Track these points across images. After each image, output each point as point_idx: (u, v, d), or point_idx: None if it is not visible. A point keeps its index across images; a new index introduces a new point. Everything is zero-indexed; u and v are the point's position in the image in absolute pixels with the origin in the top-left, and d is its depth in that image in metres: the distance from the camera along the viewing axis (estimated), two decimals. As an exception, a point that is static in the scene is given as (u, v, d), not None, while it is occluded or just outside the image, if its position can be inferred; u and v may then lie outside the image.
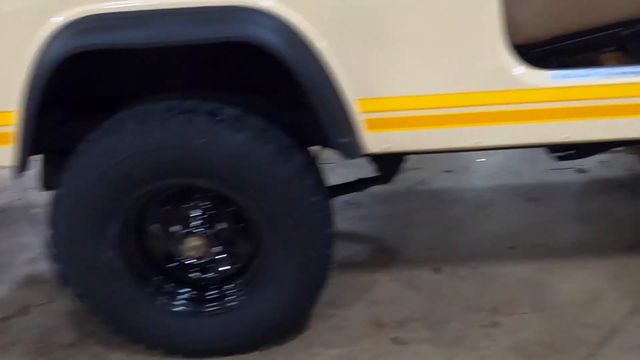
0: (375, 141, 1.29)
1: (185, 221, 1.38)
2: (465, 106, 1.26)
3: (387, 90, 1.25)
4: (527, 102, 1.26)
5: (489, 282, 1.77)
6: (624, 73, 1.26)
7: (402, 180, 2.46)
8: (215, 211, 1.38)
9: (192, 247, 1.35)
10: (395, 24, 1.19)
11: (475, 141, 1.30)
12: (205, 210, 1.38)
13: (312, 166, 1.32)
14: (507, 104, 1.26)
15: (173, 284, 1.39)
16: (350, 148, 1.26)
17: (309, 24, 1.17)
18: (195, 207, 1.38)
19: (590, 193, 2.33)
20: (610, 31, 1.35)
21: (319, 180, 1.32)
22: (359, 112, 1.25)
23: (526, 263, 1.85)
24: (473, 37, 1.21)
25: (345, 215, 2.23)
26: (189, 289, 1.39)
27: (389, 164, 1.58)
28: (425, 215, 2.21)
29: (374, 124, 1.27)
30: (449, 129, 1.29)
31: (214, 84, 1.39)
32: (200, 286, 1.41)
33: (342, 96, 1.22)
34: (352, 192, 1.71)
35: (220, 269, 1.41)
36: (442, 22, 1.20)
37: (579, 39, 1.35)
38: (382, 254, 1.99)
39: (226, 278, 1.41)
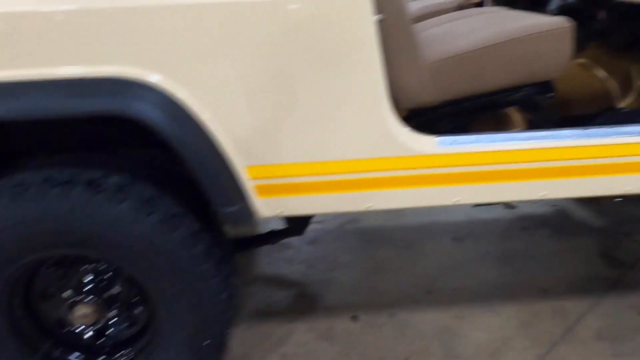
0: (267, 206, 1.28)
1: (77, 286, 1.34)
2: (353, 172, 1.27)
3: (276, 157, 1.25)
4: (414, 168, 1.28)
5: (404, 330, 1.78)
6: (507, 140, 1.29)
7: (333, 219, 2.49)
8: (109, 274, 1.35)
9: (82, 315, 1.31)
10: (279, 94, 1.19)
11: (368, 205, 1.31)
12: (97, 275, 1.35)
13: (205, 230, 1.30)
14: (395, 170, 1.27)
15: (62, 349, 1.35)
16: (241, 215, 1.25)
17: (194, 97, 1.16)
18: (87, 273, 1.34)
19: (515, 231, 2.38)
20: (500, 95, 1.39)
21: (213, 244, 1.30)
22: (248, 179, 1.25)
23: (442, 309, 1.87)
24: (358, 104, 1.22)
25: (272, 257, 2.22)
26: (79, 354, 1.36)
27: (299, 218, 1.58)
28: (351, 257, 2.21)
29: (264, 190, 1.27)
30: (340, 194, 1.29)
31: (108, 141, 1.36)
32: (94, 351, 1.37)
33: (230, 165, 1.21)
34: (263, 245, 1.70)
35: (114, 334, 1.37)
36: (326, 90, 1.20)
37: (470, 102, 1.38)
38: (303, 301, 1.98)
39: (120, 343, 1.37)
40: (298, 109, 1.21)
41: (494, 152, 1.27)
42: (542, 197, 1.35)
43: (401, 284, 2.03)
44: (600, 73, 1.95)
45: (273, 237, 1.68)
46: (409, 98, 1.32)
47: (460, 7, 2.16)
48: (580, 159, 1.31)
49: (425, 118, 1.40)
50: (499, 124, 1.74)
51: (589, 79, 1.94)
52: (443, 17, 1.72)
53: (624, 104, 1.86)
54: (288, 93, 1.20)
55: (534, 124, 1.58)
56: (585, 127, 1.32)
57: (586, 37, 2.11)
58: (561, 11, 1.93)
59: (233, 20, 1.12)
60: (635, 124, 1.33)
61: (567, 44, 1.35)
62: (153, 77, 1.14)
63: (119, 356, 1.37)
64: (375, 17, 1.17)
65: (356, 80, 1.20)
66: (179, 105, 1.15)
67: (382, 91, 1.22)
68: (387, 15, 1.24)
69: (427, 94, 1.32)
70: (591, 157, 1.31)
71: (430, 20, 1.73)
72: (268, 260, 2.21)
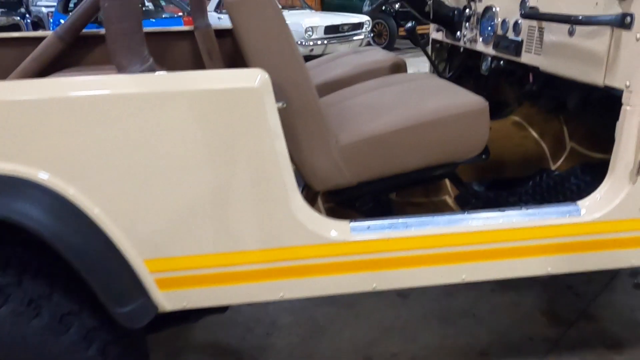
0: (170, 300, 1.21)
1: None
2: (260, 262, 1.20)
3: (177, 249, 1.17)
4: (327, 257, 1.22)
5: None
6: (423, 224, 1.25)
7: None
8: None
9: None
10: (175, 185, 1.13)
11: (280, 295, 1.25)
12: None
13: (102, 326, 1.20)
14: (306, 258, 1.21)
15: None
16: (140, 313, 1.16)
17: (83, 193, 1.08)
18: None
19: (459, 285, 2.34)
20: (420, 173, 1.35)
21: (111, 341, 1.21)
22: (148, 272, 1.17)
23: (380, 378, 1.81)
24: (261, 192, 1.16)
25: (208, 320, 2.13)
26: None
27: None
28: (292, 318, 2.14)
29: (166, 283, 1.19)
30: (248, 285, 1.22)
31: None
32: None
33: (126, 260, 1.13)
34: (186, 323, 1.60)
35: None
36: (227, 180, 1.14)
37: (389, 182, 1.34)
38: (236, 373, 1.88)
39: None
40: (196, 199, 1.15)
41: (410, 238, 1.23)
42: (464, 281, 1.30)
43: (340, 348, 1.96)
44: (533, 133, 1.96)
45: (196, 314, 1.58)
46: (323, 181, 1.27)
47: (396, 65, 2.15)
48: (498, 242, 1.27)
49: (345, 196, 1.36)
50: (430, 191, 1.71)
51: (522, 139, 1.94)
52: (369, 83, 1.69)
53: (555, 166, 1.85)
54: (184, 184, 1.13)
55: (461, 196, 1.55)
56: (503, 209, 1.29)
57: (519, 96, 2.13)
58: (494, 72, 1.94)
59: (122, 114, 1.05)
60: (545, 205, 1.30)
61: (483, 125, 1.32)
62: (41, 175, 1.06)
63: None
64: (277, 105, 1.12)
65: (258, 169, 1.14)
66: (67, 203, 1.07)
67: (288, 178, 1.16)
68: (294, 101, 1.20)
69: (341, 177, 1.28)
70: (508, 240, 1.27)
71: (354, 87, 1.69)
72: (203, 324, 2.11)
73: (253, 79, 1.08)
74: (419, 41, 2.13)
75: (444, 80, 1.61)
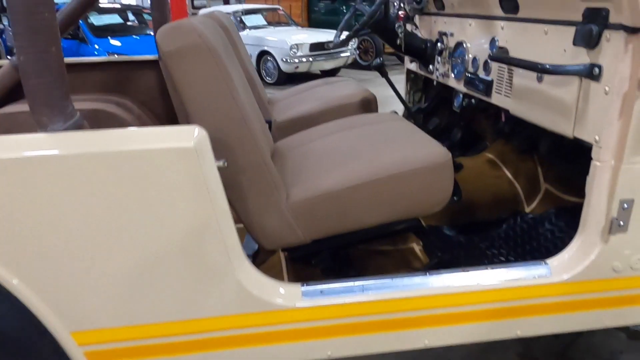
0: (103, 374, 1.09)
1: None
2: (203, 332, 1.10)
3: (109, 320, 1.07)
4: (275, 324, 1.12)
5: None
6: (380, 288, 1.16)
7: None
8: None
9: None
10: (104, 253, 1.02)
11: (227, 365, 1.14)
12: None
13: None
14: (252, 327, 1.11)
15: None
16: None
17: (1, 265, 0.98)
18: None
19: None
20: (380, 229, 1.26)
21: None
22: (76, 345, 1.06)
23: None
24: (200, 258, 1.06)
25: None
26: None
27: None
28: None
29: (99, 356, 1.08)
30: (190, 356, 1.12)
31: None
32: None
33: (50, 333, 1.03)
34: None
35: None
36: (161, 246, 1.04)
37: (346, 239, 1.25)
38: None
39: None
40: (127, 267, 1.04)
41: (367, 303, 1.13)
42: (427, 346, 1.21)
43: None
44: (507, 173, 1.88)
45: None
46: (273, 240, 1.18)
47: (365, 101, 2.07)
48: (462, 305, 1.18)
49: (299, 253, 1.26)
50: (396, 238, 1.62)
51: (495, 179, 1.86)
52: (331, 125, 1.60)
53: (529, 208, 1.77)
54: (113, 251, 1.02)
55: (428, 248, 1.47)
56: (467, 269, 1.20)
57: (493, 132, 2.05)
58: (466, 109, 1.86)
59: (39, 177, 0.95)
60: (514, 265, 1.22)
61: (447, 179, 1.23)
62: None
63: None
64: (217, 163, 1.03)
65: (196, 232, 1.04)
66: None
67: (230, 240, 1.06)
68: (238, 158, 1.10)
69: (293, 235, 1.18)
70: (472, 303, 1.18)
71: (317, 129, 1.60)
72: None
73: (189, 137, 0.99)
74: (387, 76, 2.06)
75: (408, 125, 1.52)
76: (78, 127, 1.00)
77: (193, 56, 1.04)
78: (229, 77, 1.08)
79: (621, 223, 1.15)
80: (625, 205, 1.13)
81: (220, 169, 1.04)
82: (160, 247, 1.03)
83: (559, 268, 1.21)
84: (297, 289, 1.14)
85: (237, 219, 1.19)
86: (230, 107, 1.08)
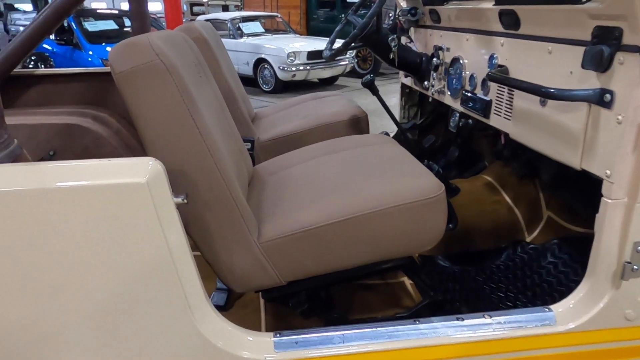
0: None
1: None
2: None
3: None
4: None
5: None
6: (362, 337, 1.02)
7: None
8: None
9: None
10: (43, 296, 0.89)
11: None
12: None
13: None
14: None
15: None
16: None
17: None
18: None
19: None
20: (364, 269, 1.13)
21: None
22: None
23: None
24: (159, 301, 0.93)
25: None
26: None
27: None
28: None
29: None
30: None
31: None
32: None
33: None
34: None
35: None
36: (112, 287, 0.91)
37: (326, 279, 1.12)
38: None
39: None
40: (70, 312, 0.91)
41: (348, 355, 1.00)
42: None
43: None
44: (507, 198, 1.75)
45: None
46: (243, 282, 1.05)
47: (354, 120, 1.95)
48: (456, 357, 1.05)
49: (274, 295, 1.13)
50: (384, 275, 1.49)
51: (493, 204, 1.73)
52: (316, 147, 1.47)
53: (530, 237, 1.64)
54: (53, 294, 0.90)
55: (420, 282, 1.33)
56: (462, 317, 1.07)
57: (491, 153, 1.93)
58: (462, 129, 1.74)
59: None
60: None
61: (439, 215, 1.09)
62: None
63: None
64: (176, 200, 0.90)
65: (150, 274, 0.91)
66: None
67: (189, 283, 0.93)
68: (203, 192, 0.98)
69: (266, 276, 1.05)
70: (467, 355, 1.05)
71: (300, 151, 1.47)
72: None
73: (142, 171, 0.86)
74: (378, 94, 1.94)
75: (398, 149, 1.39)
76: (14, 157, 0.87)
77: (148, 77, 0.91)
78: (191, 102, 0.95)
79: (635, 267, 1.02)
80: None
81: (179, 206, 0.91)
82: (110, 293, 0.90)
83: (564, 315, 1.08)
84: (269, 339, 1.01)
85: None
86: (193, 137, 0.95)
